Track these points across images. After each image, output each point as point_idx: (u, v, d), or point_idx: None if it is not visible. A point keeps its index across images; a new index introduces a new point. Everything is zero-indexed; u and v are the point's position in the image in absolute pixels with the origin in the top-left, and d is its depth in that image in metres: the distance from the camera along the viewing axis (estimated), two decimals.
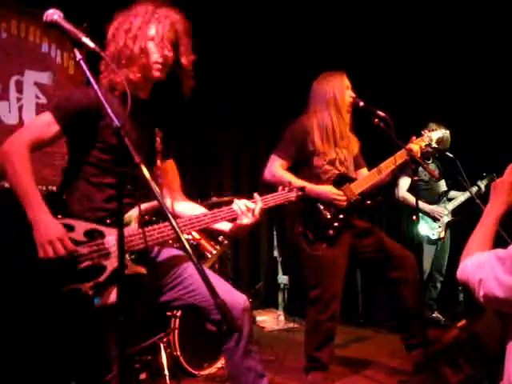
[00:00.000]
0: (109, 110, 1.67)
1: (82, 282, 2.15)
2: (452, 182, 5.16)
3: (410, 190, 4.93)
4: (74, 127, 2.26)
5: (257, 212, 2.43)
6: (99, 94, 1.69)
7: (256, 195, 2.49)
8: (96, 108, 2.15)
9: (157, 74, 2.35)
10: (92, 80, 1.69)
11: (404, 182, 4.95)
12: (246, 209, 2.42)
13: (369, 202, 3.60)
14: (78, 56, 1.70)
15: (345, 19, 5.52)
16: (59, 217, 2.20)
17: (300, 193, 2.66)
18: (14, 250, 2.22)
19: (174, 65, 2.39)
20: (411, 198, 4.86)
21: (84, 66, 1.67)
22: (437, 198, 5.12)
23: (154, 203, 2.28)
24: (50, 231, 2.11)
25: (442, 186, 5.22)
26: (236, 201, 2.45)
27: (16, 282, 2.20)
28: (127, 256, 2.22)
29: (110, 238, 2.22)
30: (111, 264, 2.19)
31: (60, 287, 2.13)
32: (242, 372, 2.37)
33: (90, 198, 2.30)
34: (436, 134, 3.74)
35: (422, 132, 3.74)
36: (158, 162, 2.49)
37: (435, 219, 4.99)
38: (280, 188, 2.64)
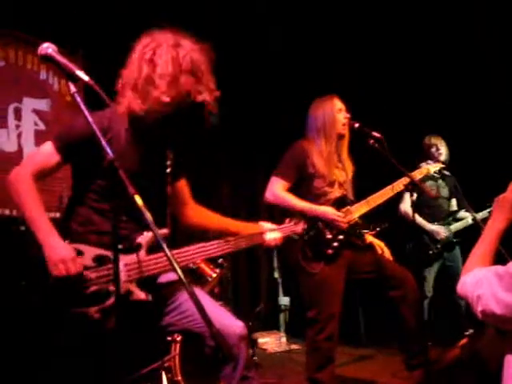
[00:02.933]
0: (103, 142, 1.69)
1: (88, 306, 2.18)
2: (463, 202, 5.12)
3: (415, 205, 4.91)
4: (75, 156, 2.31)
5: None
6: (93, 126, 1.71)
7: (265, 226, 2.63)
8: (93, 135, 2.16)
9: (166, 108, 2.29)
10: (86, 113, 1.71)
11: (408, 197, 4.93)
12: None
13: (376, 226, 3.64)
14: (73, 89, 1.73)
15: (340, 41, 5.59)
16: (67, 241, 2.25)
17: (305, 226, 2.79)
18: (21, 274, 2.27)
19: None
20: (415, 216, 4.84)
21: (78, 99, 1.70)
22: (444, 216, 5.09)
23: (164, 231, 2.32)
24: (62, 252, 2.17)
25: (453, 205, 5.19)
26: (269, 232, 2.63)
27: (23, 304, 2.27)
28: (134, 282, 2.27)
29: (119, 263, 2.24)
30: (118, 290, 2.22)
31: (67, 310, 2.17)
32: None
33: (94, 223, 2.33)
34: (434, 167, 3.81)
35: (421, 165, 3.80)
36: (169, 187, 2.51)
37: (433, 239, 4.96)
38: (287, 220, 2.73)
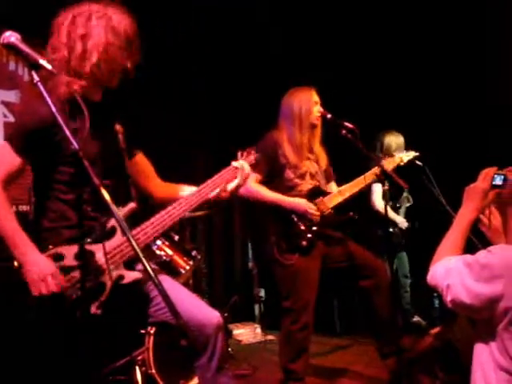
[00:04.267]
0: (67, 132, 1.65)
1: (87, 305, 2.14)
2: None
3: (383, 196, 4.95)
4: (34, 149, 2.24)
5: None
6: (58, 117, 1.67)
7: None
8: (50, 123, 2.09)
9: (115, 82, 2.34)
10: (50, 103, 1.67)
11: (379, 188, 4.97)
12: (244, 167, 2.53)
13: (340, 217, 3.64)
14: (36, 78, 1.68)
15: (316, 33, 5.58)
16: (50, 247, 2.21)
17: (256, 155, 2.74)
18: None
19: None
20: (382, 205, 4.89)
21: (41, 89, 1.66)
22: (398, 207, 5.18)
23: (131, 206, 2.29)
24: (42, 268, 2.12)
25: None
26: (236, 162, 2.56)
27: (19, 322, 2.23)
28: (121, 266, 2.24)
29: (99, 254, 2.22)
30: (109, 279, 2.20)
31: (72, 313, 2.14)
32: None
33: (65, 216, 2.28)
34: (407, 156, 3.80)
35: (394, 153, 3.79)
36: (126, 161, 2.48)
37: (402, 230, 5.06)
38: (239, 154, 2.70)
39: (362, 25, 5.56)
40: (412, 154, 3.81)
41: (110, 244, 2.24)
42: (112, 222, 2.27)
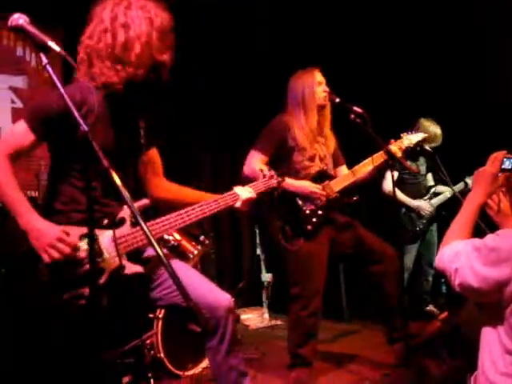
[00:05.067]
0: (76, 114, 1.66)
1: (83, 286, 2.15)
2: (439, 176, 5.15)
3: (398, 183, 4.93)
4: (50, 132, 2.25)
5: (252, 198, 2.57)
6: (66, 98, 1.67)
7: (247, 187, 2.58)
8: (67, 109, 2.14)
9: (137, 71, 2.29)
10: (59, 85, 1.67)
11: (390, 176, 4.93)
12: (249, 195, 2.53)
13: (346, 200, 3.62)
14: (45, 60, 1.68)
15: (325, 15, 5.56)
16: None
17: (280, 179, 2.73)
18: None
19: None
20: (397, 192, 4.86)
21: (50, 71, 1.66)
22: (423, 193, 5.12)
23: (145, 201, 2.30)
24: (48, 234, 2.12)
25: (430, 180, 5.23)
26: (240, 188, 2.56)
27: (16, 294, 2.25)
28: (124, 256, 2.24)
29: (105, 239, 2.23)
30: (109, 266, 2.21)
31: (62, 294, 2.15)
32: (224, 371, 2.38)
33: (76, 201, 2.29)
34: (416, 137, 3.72)
35: (402, 134, 3.74)
36: (144, 154, 2.50)
37: (419, 215, 4.99)
38: (261, 176, 2.70)
39: (364, 22, 5.55)
40: (421, 136, 3.76)
41: (118, 232, 2.24)
42: (122, 213, 2.28)
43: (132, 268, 2.25)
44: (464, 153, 4.68)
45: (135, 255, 2.31)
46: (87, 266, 2.17)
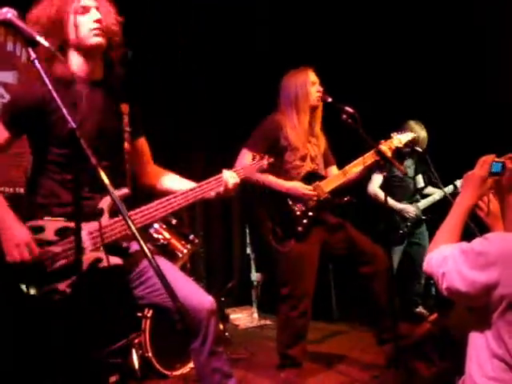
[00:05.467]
0: (64, 110, 1.63)
1: (58, 282, 2.15)
2: (428, 178, 5.16)
3: (383, 186, 4.93)
4: (25, 126, 2.26)
5: (235, 186, 2.52)
6: (54, 94, 1.65)
7: (232, 171, 2.54)
8: (43, 103, 2.16)
9: (97, 39, 2.29)
10: (47, 81, 1.65)
11: (377, 178, 4.94)
12: (233, 180, 2.49)
13: (337, 200, 3.61)
14: (33, 55, 1.66)
15: (319, 16, 5.55)
16: (29, 221, 2.21)
17: (271, 160, 2.74)
18: None
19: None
20: (381, 195, 4.87)
21: (38, 66, 1.64)
22: (410, 195, 5.12)
23: (125, 191, 2.28)
24: (17, 236, 2.13)
25: (420, 182, 5.23)
26: (225, 171, 2.51)
27: None
28: (101, 248, 2.23)
29: (83, 232, 2.19)
30: (87, 259, 2.19)
31: (34, 289, 2.15)
32: (208, 372, 2.37)
33: (56, 195, 2.29)
34: (405, 137, 3.71)
35: (392, 134, 3.73)
36: (126, 144, 2.45)
37: (404, 218, 4.99)
38: (251, 158, 2.71)
39: (364, 21, 5.55)
40: (411, 136, 3.75)
41: (95, 225, 2.23)
42: (101, 204, 2.26)
43: (110, 260, 2.23)
44: (453, 155, 4.69)
45: (114, 248, 2.29)
46: (62, 261, 2.17)
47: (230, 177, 2.50)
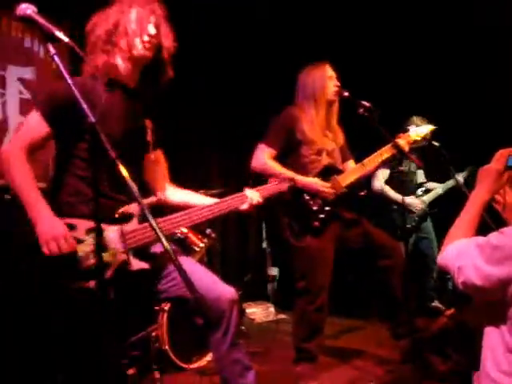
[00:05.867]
0: (83, 105, 1.66)
1: (87, 280, 2.17)
2: (430, 173, 5.16)
3: (388, 181, 4.93)
4: (60, 122, 2.27)
5: (257, 204, 2.58)
6: (73, 88, 1.67)
7: (254, 190, 2.59)
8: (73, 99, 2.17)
9: (146, 52, 2.34)
10: (66, 75, 1.67)
11: (382, 174, 4.93)
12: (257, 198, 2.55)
13: (361, 193, 3.62)
14: (52, 51, 1.68)
15: (332, 12, 5.53)
16: (60, 217, 2.23)
17: (291, 183, 2.76)
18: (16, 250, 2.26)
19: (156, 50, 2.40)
20: (388, 190, 4.87)
21: (58, 61, 1.66)
22: (414, 190, 5.11)
23: (152, 199, 2.31)
24: (54, 229, 2.15)
25: (420, 177, 5.23)
26: (248, 190, 2.57)
27: (21, 281, 2.23)
28: (130, 252, 2.26)
29: (111, 234, 2.24)
30: (115, 261, 2.22)
31: (67, 285, 2.16)
32: (228, 364, 2.39)
33: (81, 193, 2.30)
34: (422, 130, 3.71)
35: (409, 127, 3.72)
36: (152, 155, 2.52)
37: (411, 212, 4.97)
38: (271, 179, 2.70)
39: (364, 19, 5.54)
40: (429, 128, 3.74)
41: (125, 228, 2.27)
42: (130, 209, 2.29)
43: (138, 264, 2.27)
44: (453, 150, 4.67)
45: (141, 251, 2.31)
46: (92, 261, 2.19)
47: (254, 196, 2.56)
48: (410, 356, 3.42)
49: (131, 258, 2.25)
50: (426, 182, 5.20)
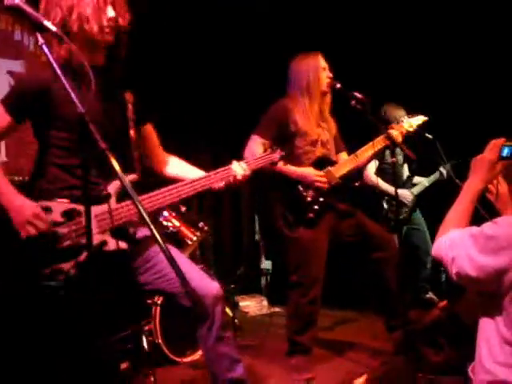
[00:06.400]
0: (73, 95, 1.63)
1: (63, 262, 2.17)
2: (414, 167, 5.18)
3: (377, 173, 4.93)
4: (27, 112, 2.28)
5: (245, 177, 2.52)
6: (63, 79, 1.65)
7: (242, 162, 2.53)
8: (48, 88, 2.18)
9: (107, 37, 2.31)
10: (55, 65, 1.65)
11: (371, 165, 4.93)
12: (242, 172, 2.49)
13: (356, 184, 3.61)
14: (41, 40, 1.66)
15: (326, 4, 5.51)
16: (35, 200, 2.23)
17: (283, 153, 2.71)
18: None
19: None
20: (381, 182, 4.87)
21: (46, 50, 1.64)
22: (402, 183, 5.12)
23: (133, 176, 2.29)
24: (25, 211, 2.16)
25: (405, 171, 5.23)
26: (235, 162, 2.51)
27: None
28: (107, 232, 2.25)
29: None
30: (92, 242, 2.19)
31: (42, 268, 2.16)
32: (216, 358, 2.38)
33: (61, 179, 2.31)
34: (416, 121, 3.70)
35: (402, 118, 3.71)
36: (132, 131, 2.47)
37: (402, 203, 4.97)
38: (262, 150, 2.66)
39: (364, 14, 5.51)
40: (421, 119, 3.73)
41: (102, 208, 2.24)
42: (108, 188, 2.27)
43: (113, 244, 2.25)
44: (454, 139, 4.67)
45: (121, 232, 2.30)
46: (68, 242, 2.19)
47: (239, 168, 2.50)
48: (402, 348, 3.42)
49: (108, 238, 2.25)
50: (411, 177, 5.20)
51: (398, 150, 5.01)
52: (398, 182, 4.96)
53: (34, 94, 2.23)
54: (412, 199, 4.98)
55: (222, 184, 2.48)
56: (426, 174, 5.10)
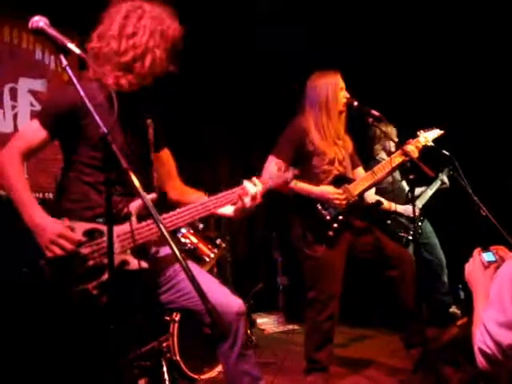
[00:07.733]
0: (95, 116, 1.67)
1: (86, 283, 2.17)
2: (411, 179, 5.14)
3: (377, 192, 4.89)
4: (60, 129, 2.30)
5: (259, 195, 2.47)
6: (86, 100, 1.68)
7: (255, 179, 2.52)
8: (79, 106, 2.18)
9: (150, 81, 2.36)
10: (78, 87, 1.69)
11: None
12: (255, 188, 2.46)
13: (365, 204, 3.61)
14: (64, 62, 1.70)
15: (339, 17, 5.53)
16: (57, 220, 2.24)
17: (296, 171, 2.70)
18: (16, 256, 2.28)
19: None
20: (383, 200, 4.83)
21: (70, 73, 1.68)
22: (405, 199, 5.07)
23: (152, 196, 2.30)
24: (50, 231, 2.15)
25: (404, 185, 5.19)
26: (246, 182, 2.49)
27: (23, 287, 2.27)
28: (129, 251, 2.26)
29: None
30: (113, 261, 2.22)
31: (68, 288, 2.17)
32: (237, 376, 2.39)
33: (87, 198, 2.32)
34: (432, 134, 3.68)
35: (418, 133, 3.69)
36: (152, 154, 2.50)
37: (409, 218, 4.92)
38: (276, 169, 2.67)
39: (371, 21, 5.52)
40: (437, 133, 3.70)
41: (123, 228, 2.25)
42: (129, 208, 2.29)
43: (134, 264, 2.25)
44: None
45: (142, 252, 2.31)
46: (91, 262, 2.20)
47: (250, 185, 2.49)
48: (421, 366, 3.40)
49: (130, 258, 2.25)
50: (411, 190, 5.15)
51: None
52: (401, 200, 4.94)
53: (67, 112, 2.25)
54: (418, 213, 4.93)
55: (239, 204, 2.46)
56: (424, 183, 5.05)
